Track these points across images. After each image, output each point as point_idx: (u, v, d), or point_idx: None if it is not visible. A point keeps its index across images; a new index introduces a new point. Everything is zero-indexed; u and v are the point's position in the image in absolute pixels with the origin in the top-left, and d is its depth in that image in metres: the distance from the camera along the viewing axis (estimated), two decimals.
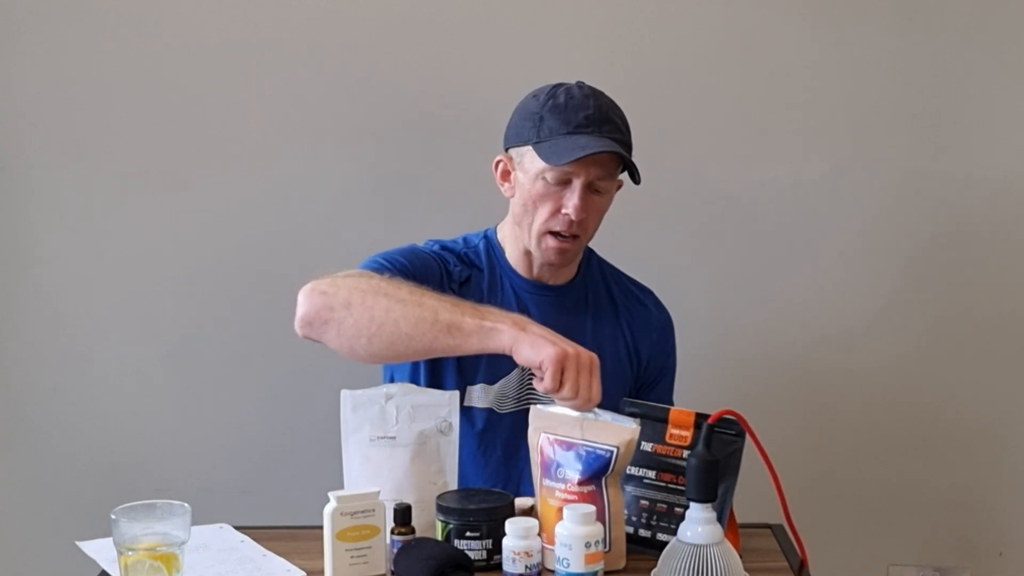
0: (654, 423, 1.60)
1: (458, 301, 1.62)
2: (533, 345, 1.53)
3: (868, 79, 2.23)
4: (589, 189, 1.74)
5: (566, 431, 1.55)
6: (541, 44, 2.20)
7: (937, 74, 2.23)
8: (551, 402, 1.60)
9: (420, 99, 2.21)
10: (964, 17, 2.21)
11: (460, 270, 1.81)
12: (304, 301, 1.62)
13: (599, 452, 1.51)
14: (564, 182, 1.73)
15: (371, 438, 1.64)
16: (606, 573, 1.48)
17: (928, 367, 2.30)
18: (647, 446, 1.59)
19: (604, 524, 1.49)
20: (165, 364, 2.28)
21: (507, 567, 1.48)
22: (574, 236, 1.77)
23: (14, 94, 2.21)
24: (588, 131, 1.72)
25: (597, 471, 1.51)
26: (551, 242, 1.77)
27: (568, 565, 1.44)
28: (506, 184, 1.82)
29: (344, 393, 1.66)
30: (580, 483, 1.51)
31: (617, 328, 1.89)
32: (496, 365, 1.79)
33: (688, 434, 1.59)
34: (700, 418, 1.58)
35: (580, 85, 1.78)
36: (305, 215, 2.24)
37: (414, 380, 1.80)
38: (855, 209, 2.26)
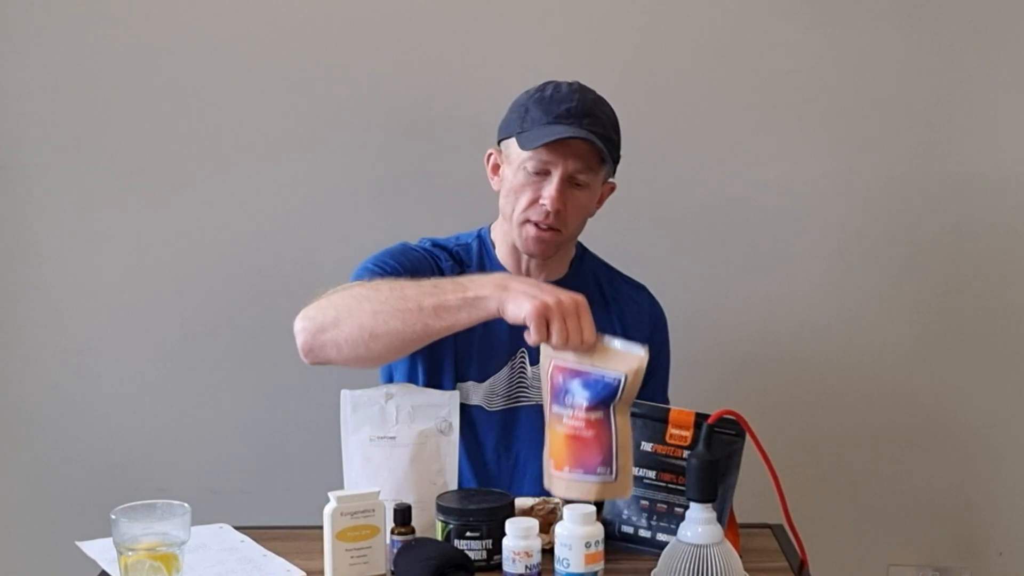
0: (654, 423, 1.61)
1: (437, 282, 1.63)
2: (515, 302, 1.53)
3: (868, 79, 2.23)
4: (569, 183, 1.75)
5: (576, 359, 1.53)
6: (541, 44, 2.20)
7: (937, 74, 2.23)
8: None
9: (420, 99, 2.21)
10: (964, 17, 2.21)
11: (451, 266, 1.82)
12: (299, 332, 1.65)
13: (607, 380, 1.50)
14: (544, 172, 1.75)
15: (371, 438, 1.64)
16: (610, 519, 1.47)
17: (928, 367, 2.30)
18: (647, 446, 1.59)
19: (611, 451, 1.48)
20: (165, 364, 2.28)
21: (507, 567, 1.48)
22: (553, 229, 1.77)
23: (14, 94, 2.21)
24: (567, 122, 1.73)
25: (605, 398, 1.50)
26: (530, 231, 1.78)
27: (568, 565, 1.44)
28: (495, 178, 1.84)
29: (344, 393, 1.66)
30: (588, 409, 1.50)
31: (608, 324, 1.88)
32: (485, 363, 1.81)
33: (688, 434, 1.59)
34: (700, 418, 1.58)
35: (571, 83, 1.80)
36: (305, 215, 2.24)
37: (412, 379, 1.81)
38: (855, 209, 2.26)
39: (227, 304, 2.27)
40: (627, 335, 1.87)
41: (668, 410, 1.61)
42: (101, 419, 2.29)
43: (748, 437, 1.54)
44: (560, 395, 1.54)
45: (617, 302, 1.91)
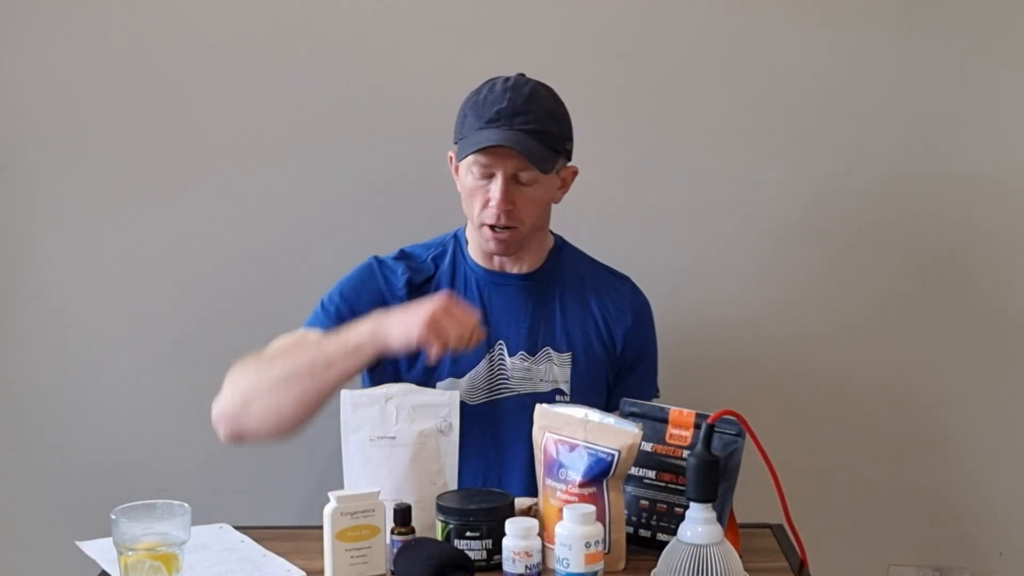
0: (654, 423, 1.61)
1: (321, 339, 1.72)
2: (399, 331, 1.62)
3: (868, 79, 2.23)
4: (514, 181, 1.77)
5: (570, 432, 1.55)
6: (540, 45, 2.20)
7: (937, 74, 2.23)
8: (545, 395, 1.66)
9: (419, 101, 2.21)
10: (965, 17, 2.21)
11: (410, 276, 1.85)
12: (217, 424, 1.74)
13: (601, 455, 1.51)
14: (489, 175, 1.77)
15: (371, 438, 1.64)
16: (606, 575, 1.48)
17: (928, 366, 2.30)
18: (647, 446, 1.59)
19: (604, 526, 1.49)
20: (165, 364, 2.27)
21: (507, 567, 1.48)
22: (509, 228, 1.79)
23: (14, 94, 2.21)
24: (497, 124, 1.74)
25: (598, 474, 1.51)
26: (487, 233, 1.80)
27: (568, 565, 1.44)
28: (457, 178, 1.86)
29: (344, 393, 1.66)
30: (581, 484, 1.52)
31: (588, 314, 1.89)
32: (461, 357, 1.82)
33: (688, 434, 1.59)
34: (700, 418, 1.58)
35: (508, 78, 1.80)
36: (305, 215, 2.24)
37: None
38: (855, 209, 2.26)
39: (227, 304, 2.27)
40: (608, 325, 1.89)
41: (668, 410, 1.61)
42: (101, 419, 2.28)
43: (748, 437, 1.54)
44: (553, 469, 1.55)
45: (598, 292, 1.91)
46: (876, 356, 2.30)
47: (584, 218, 2.17)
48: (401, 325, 1.62)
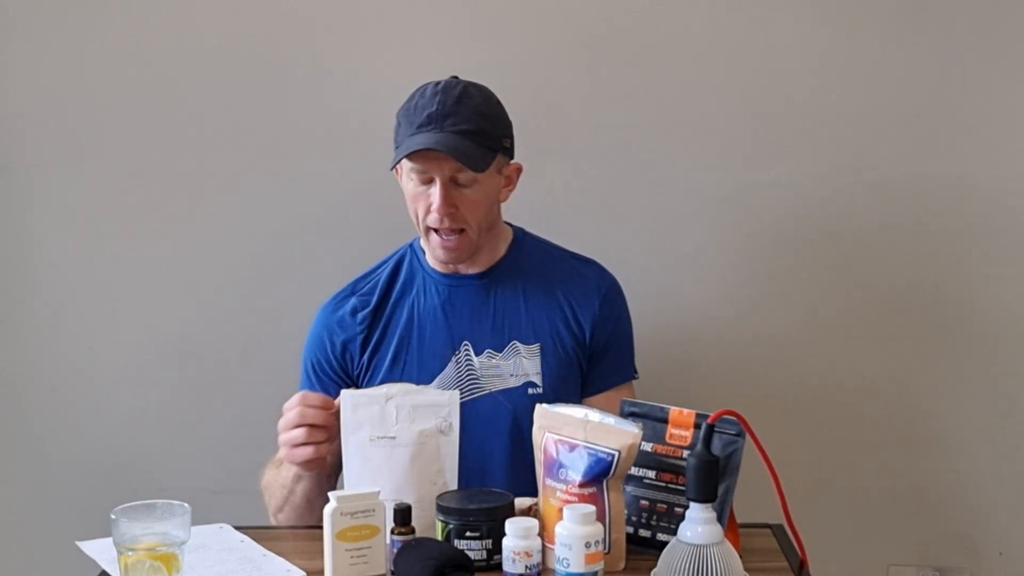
0: (654, 423, 1.61)
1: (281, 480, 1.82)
2: (297, 467, 1.73)
3: (868, 79, 2.22)
4: (454, 184, 1.76)
5: (569, 432, 1.55)
6: (540, 45, 2.20)
7: (937, 74, 2.23)
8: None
9: None
10: (965, 17, 2.21)
11: (364, 309, 1.89)
12: None
13: (601, 455, 1.51)
14: (428, 180, 1.77)
15: (371, 438, 1.64)
16: (606, 575, 1.48)
17: (928, 367, 2.30)
18: (647, 446, 1.59)
19: (604, 526, 1.49)
20: (165, 364, 2.28)
21: (507, 567, 1.48)
22: (457, 230, 1.79)
23: (14, 94, 2.21)
24: (428, 129, 1.74)
25: (598, 474, 1.51)
26: (435, 239, 1.81)
27: (568, 565, 1.44)
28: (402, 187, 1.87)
29: (344, 393, 1.66)
30: (581, 484, 1.52)
31: (553, 303, 1.88)
32: (426, 364, 1.84)
33: (688, 434, 1.59)
34: (700, 418, 1.58)
35: (439, 82, 1.80)
36: (305, 215, 2.24)
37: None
38: (855, 209, 2.26)
39: (226, 303, 2.27)
40: (575, 312, 1.88)
41: (668, 410, 1.61)
42: (101, 419, 2.29)
43: (748, 437, 1.54)
44: (553, 469, 1.55)
45: (564, 280, 1.90)
46: (877, 356, 2.30)
47: (582, 217, 2.17)
48: (287, 457, 1.71)
